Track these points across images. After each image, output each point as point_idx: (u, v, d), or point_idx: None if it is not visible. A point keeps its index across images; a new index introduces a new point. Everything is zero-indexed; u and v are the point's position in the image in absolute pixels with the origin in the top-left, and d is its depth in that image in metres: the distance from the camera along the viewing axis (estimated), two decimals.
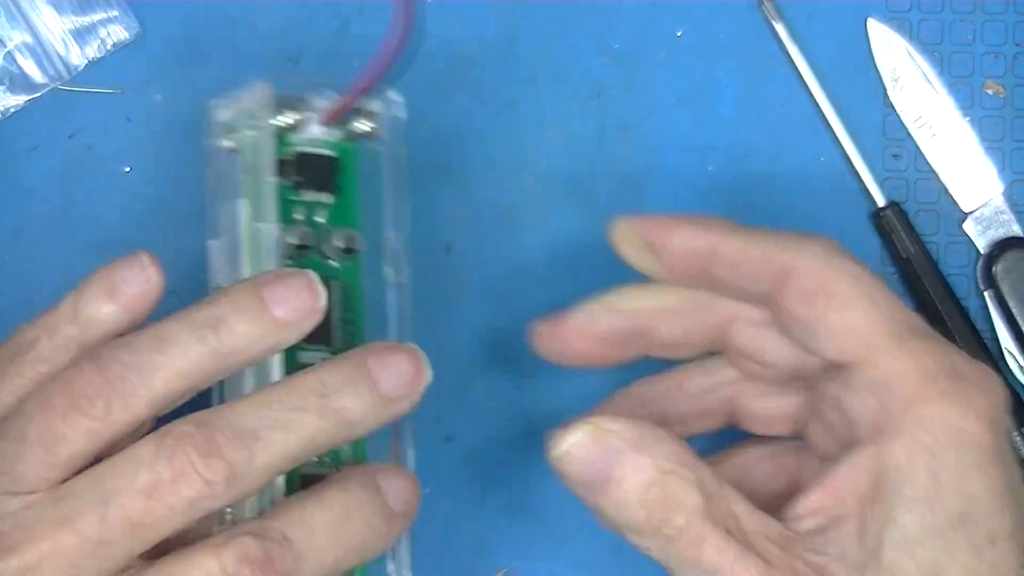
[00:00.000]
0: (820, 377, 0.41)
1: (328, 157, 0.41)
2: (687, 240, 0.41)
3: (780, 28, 0.48)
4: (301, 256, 0.40)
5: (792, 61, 0.49)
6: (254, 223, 0.39)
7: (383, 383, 0.37)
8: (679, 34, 0.49)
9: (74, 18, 0.48)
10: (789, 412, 0.43)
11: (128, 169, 0.49)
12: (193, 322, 0.37)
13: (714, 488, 0.38)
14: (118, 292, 0.38)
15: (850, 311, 0.39)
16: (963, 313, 0.48)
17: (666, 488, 0.37)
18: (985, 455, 0.38)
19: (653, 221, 0.42)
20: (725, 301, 0.42)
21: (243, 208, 0.39)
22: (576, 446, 0.38)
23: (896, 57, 0.49)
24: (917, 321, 0.40)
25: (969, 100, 0.49)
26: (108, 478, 0.36)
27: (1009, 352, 0.48)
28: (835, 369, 0.40)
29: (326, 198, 0.41)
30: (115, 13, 0.48)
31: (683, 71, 0.49)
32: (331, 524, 0.37)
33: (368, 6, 0.49)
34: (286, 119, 0.40)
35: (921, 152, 0.49)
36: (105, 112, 0.48)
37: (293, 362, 0.39)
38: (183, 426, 0.36)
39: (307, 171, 0.41)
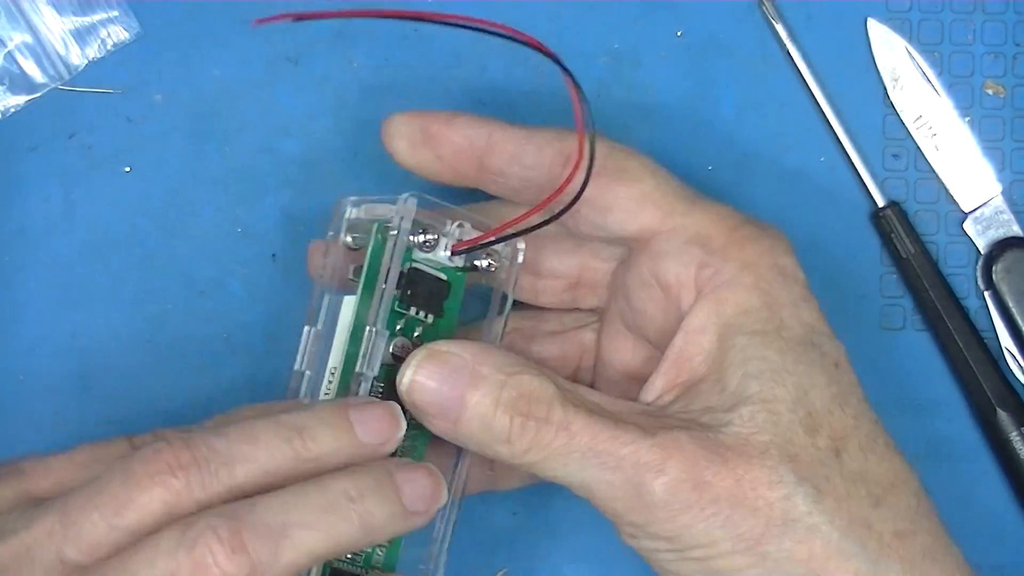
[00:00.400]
0: (597, 265, 0.44)
1: (442, 281, 0.42)
2: (465, 129, 0.42)
3: (780, 28, 0.48)
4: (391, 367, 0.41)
5: (792, 61, 0.49)
6: (368, 326, 0.40)
7: (407, 496, 0.38)
8: (679, 34, 0.49)
9: (74, 18, 0.48)
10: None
11: (128, 169, 0.49)
12: (281, 425, 0.38)
13: (566, 383, 0.40)
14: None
15: (641, 183, 0.41)
16: (963, 313, 0.48)
17: (519, 387, 0.39)
18: (806, 289, 0.41)
19: (431, 114, 0.43)
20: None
21: (349, 306, 0.41)
22: (421, 372, 0.39)
23: (896, 57, 0.49)
24: (697, 192, 0.42)
25: (969, 100, 0.49)
26: (132, 561, 0.36)
27: (1009, 352, 0.48)
28: (638, 247, 0.41)
29: (428, 318, 0.42)
30: (115, 13, 0.48)
31: (683, 71, 0.49)
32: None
33: (368, 6, 0.49)
34: (419, 238, 0.41)
35: (921, 152, 0.49)
36: (105, 112, 0.48)
37: None
38: (210, 518, 0.36)
39: (418, 288, 0.41)
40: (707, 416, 0.39)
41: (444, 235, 0.41)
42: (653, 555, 0.39)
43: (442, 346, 0.40)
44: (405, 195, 0.41)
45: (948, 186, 0.49)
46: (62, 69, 0.48)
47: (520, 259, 0.42)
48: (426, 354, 0.40)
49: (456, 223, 0.42)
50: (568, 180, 0.40)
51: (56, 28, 0.48)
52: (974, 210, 0.49)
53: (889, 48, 0.49)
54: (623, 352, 0.44)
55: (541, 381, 0.39)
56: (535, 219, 0.40)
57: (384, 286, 0.41)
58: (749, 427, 0.38)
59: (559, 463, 0.39)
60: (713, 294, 0.40)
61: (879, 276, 0.49)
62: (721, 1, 0.49)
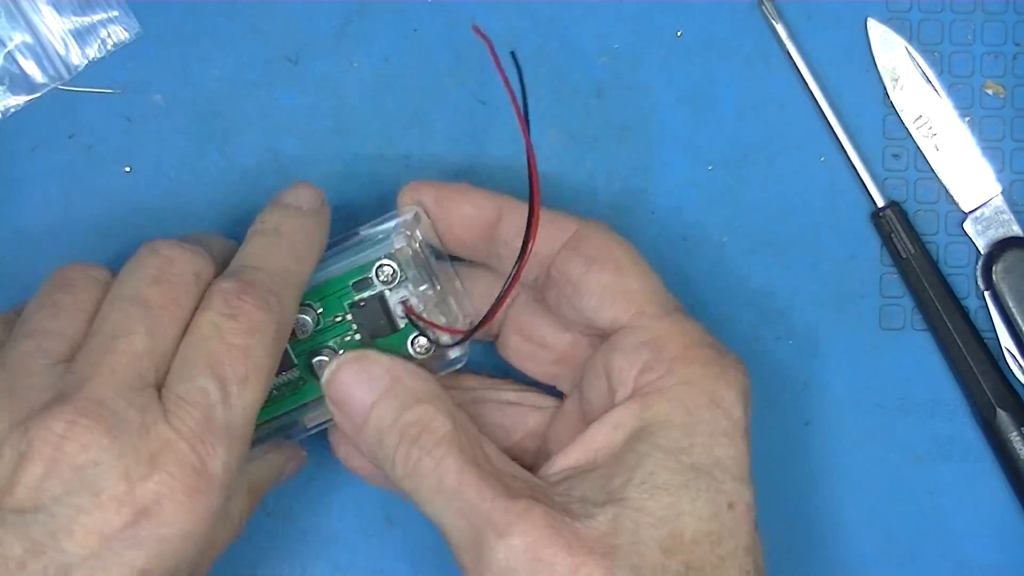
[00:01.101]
0: (582, 348, 0.44)
1: (398, 331, 0.45)
2: (478, 200, 0.44)
3: (780, 28, 0.48)
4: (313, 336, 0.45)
5: (792, 61, 0.49)
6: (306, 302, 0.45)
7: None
8: (679, 34, 0.49)
9: (74, 18, 0.48)
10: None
11: (128, 169, 0.49)
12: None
13: (469, 428, 0.41)
14: None
15: (626, 278, 0.42)
16: (963, 313, 0.48)
17: (420, 414, 0.41)
18: (736, 428, 0.40)
19: (446, 184, 0.45)
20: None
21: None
22: (344, 370, 0.42)
23: (896, 57, 0.49)
24: (679, 303, 0.43)
25: (969, 100, 0.49)
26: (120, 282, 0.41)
27: (1009, 352, 0.48)
28: (605, 336, 0.42)
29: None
30: (115, 13, 0.48)
31: (683, 71, 0.49)
32: (271, 244, 0.42)
33: (368, 6, 0.49)
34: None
35: (921, 152, 0.49)
36: (105, 112, 0.48)
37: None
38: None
39: (378, 316, 0.44)
40: (578, 504, 0.39)
41: (410, 286, 0.44)
42: None
43: (373, 354, 0.43)
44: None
45: (948, 186, 0.49)
46: (62, 69, 0.48)
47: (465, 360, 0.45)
48: (356, 355, 0.43)
49: (425, 287, 0.44)
50: (531, 241, 0.41)
51: (56, 28, 0.48)
52: (974, 210, 0.49)
53: (889, 48, 0.49)
54: (564, 433, 0.44)
55: (442, 418, 0.41)
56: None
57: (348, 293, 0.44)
58: (608, 527, 0.38)
59: (427, 498, 0.40)
60: (643, 398, 0.40)
61: (879, 276, 0.49)
62: (721, 1, 0.49)
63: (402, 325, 0.45)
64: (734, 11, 0.49)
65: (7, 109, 0.48)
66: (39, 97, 0.48)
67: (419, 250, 0.44)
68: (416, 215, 0.44)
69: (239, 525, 0.44)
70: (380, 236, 0.44)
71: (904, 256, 0.48)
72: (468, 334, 0.43)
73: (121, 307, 0.40)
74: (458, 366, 0.45)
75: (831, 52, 0.49)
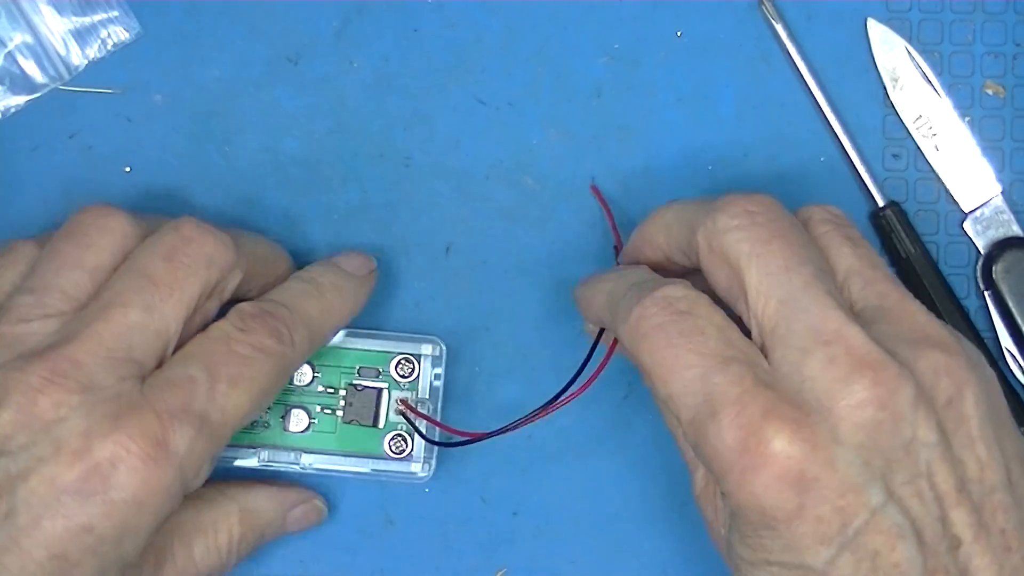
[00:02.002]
0: None
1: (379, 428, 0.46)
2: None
3: (780, 28, 0.48)
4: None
5: (792, 61, 0.49)
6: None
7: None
8: (679, 34, 0.49)
9: (74, 18, 0.48)
10: None
11: (128, 169, 0.49)
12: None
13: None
14: None
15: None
16: (963, 313, 0.48)
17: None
18: None
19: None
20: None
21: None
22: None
23: (896, 57, 0.49)
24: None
25: (969, 100, 0.49)
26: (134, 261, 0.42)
27: (1009, 352, 0.48)
28: None
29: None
30: (115, 13, 0.48)
31: (683, 71, 0.49)
32: (305, 291, 0.44)
33: (368, 6, 0.49)
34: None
35: (921, 152, 0.49)
36: (105, 112, 0.48)
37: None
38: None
39: (368, 406, 0.46)
40: None
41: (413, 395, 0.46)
42: None
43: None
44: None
45: (948, 186, 0.49)
46: (62, 69, 0.48)
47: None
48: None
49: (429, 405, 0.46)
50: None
51: (56, 28, 0.48)
52: (974, 210, 0.49)
53: (889, 48, 0.49)
54: None
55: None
56: None
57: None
58: None
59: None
60: None
61: None
62: (721, 1, 0.49)
63: (383, 424, 0.46)
64: (734, 11, 0.49)
65: (7, 109, 0.48)
66: (39, 97, 0.48)
67: (437, 385, 0.46)
68: (441, 350, 0.47)
69: (227, 552, 0.44)
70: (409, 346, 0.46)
71: (904, 256, 0.48)
72: (482, 436, 0.44)
73: (126, 278, 0.41)
74: (415, 479, 0.46)
75: (831, 52, 0.49)
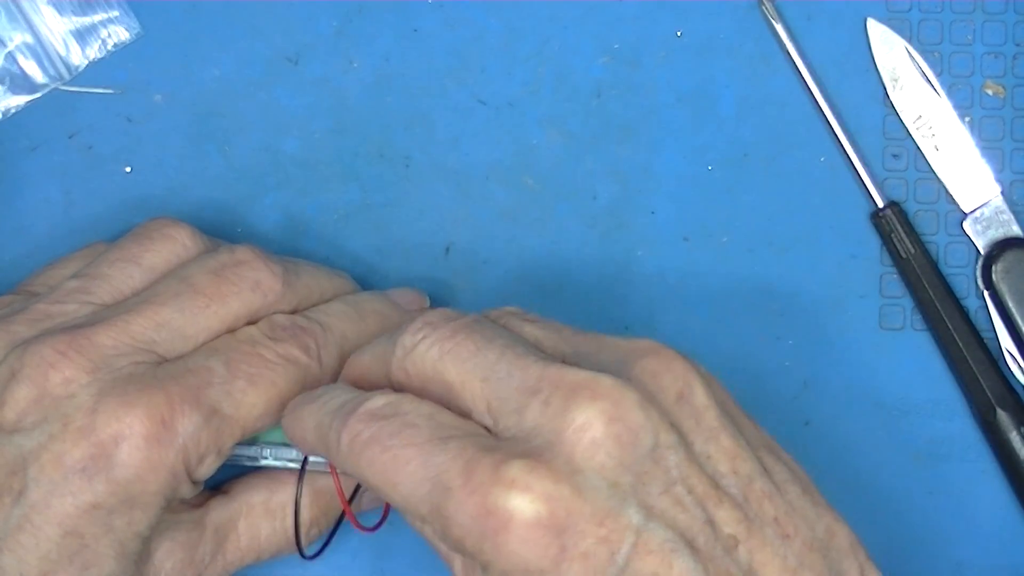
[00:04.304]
0: None
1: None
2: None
3: (780, 28, 0.48)
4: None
5: (792, 61, 0.49)
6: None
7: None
8: (679, 34, 0.49)
9: (75, 18, 0.48)
10: None
11: (128, 169, 0.49)
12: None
13: None
14: None
15: None
16: (963, 313, 0.48)
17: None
18: None
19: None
20: None
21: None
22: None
23: (896, 57, 0.49)
24: None
25: (969, 100, 0.49)
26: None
27: (1009, 352, 0.48)
28: None
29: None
30: (115, 13, 0.48)
31: (683, 71, 0.49)
32: (345, 312, 0.44)
33: (368, 6, 0.49)
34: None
35: (921, 152, 0.49)
36: (105, 112, 0.48)
37: None
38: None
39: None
40: None
41: None
42: None
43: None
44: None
45: (948, 186, 0.49)
46: (62, 69, 0.48)
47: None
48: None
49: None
50: None
51: (56, 28, 0.48)
52: (974, 210, 0.49)
53: (889, 48, 0.49)
54: None
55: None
56: None
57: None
58: None
59: None
60: None
61: (879, 276, 0.49)
62: (721, 1, 0.49)
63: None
64: (734, 11, 0.49)
65: (7, 109, 0.48)
66: (39, 97, 0.48)
67: None
68: None
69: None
70: None
71: (904, 256, 0.48)
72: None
73: (171, 281, 0.42)
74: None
75: (831, 52, 0.49)
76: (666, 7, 0.49)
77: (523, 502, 0.34)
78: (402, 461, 0.35)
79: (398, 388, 0.39)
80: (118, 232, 0.48)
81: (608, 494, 0.34)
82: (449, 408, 0.37)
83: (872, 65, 0.49)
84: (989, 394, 0.47)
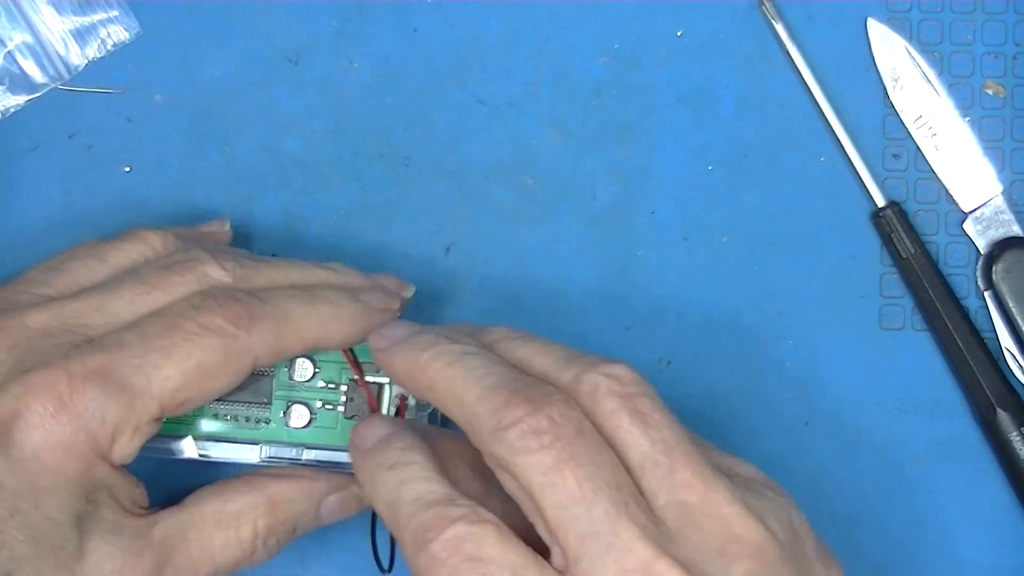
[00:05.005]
0: None
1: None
2: None
3: (780, 28, 0.48)
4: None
5: (792, 61, 0.49)
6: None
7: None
8: (679, 34, 0.49)
9: (74, 18, 0.48)
10: None
11: (128, 169, 0.49)
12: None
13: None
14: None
15: None
16: (963, 313, 0.48)
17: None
18: None
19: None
20: None
21: None
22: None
23: (896, 57, 0.49)
24: None
25: (969, 100, 0.49)
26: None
27: (1009, 352, 0.48)
28: None
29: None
30: (115, 13, 0.48)
31: (683, 71, 0.49)
32: (293, 293, 0.42)
33: (368, 6, 0.49)
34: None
35: (921, 152, 0.49)
36: (105, 112, 0.48)
37: None
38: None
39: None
40: None
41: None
42: None
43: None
44: None
45: (948, 186, 0.49)
46: (62, 69, 0.48)
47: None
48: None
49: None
50: None
51: (56, 28, 0.48)
52: (974, 210, 0.49)
53: (889, 48, 0.49)
54: None
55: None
56: None
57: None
58: None
59: None
60: None
61: (879, 276, 0.49)
62: (721, 1, 0.49)
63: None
64: (734, 11, 0.49)
65: (7, 109, 0.48)
66: (39, 97, 0.48)
67: None
68: None
69: (251, 545, 0.43)
70: None
71: (904, 256, 0.48)
72: None
73: (122, 275, 0.42)
74: None
75: (831, 52, 0.49)
76: (666, 7, 0.49)
77: None
78: None
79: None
80: (116, 231, 0.48)
81: None
82: (523, 509, 0.37)
83: (872, 65, 0.49)
84: (989, 394, 0.47)
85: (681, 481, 0.36)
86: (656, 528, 0.36)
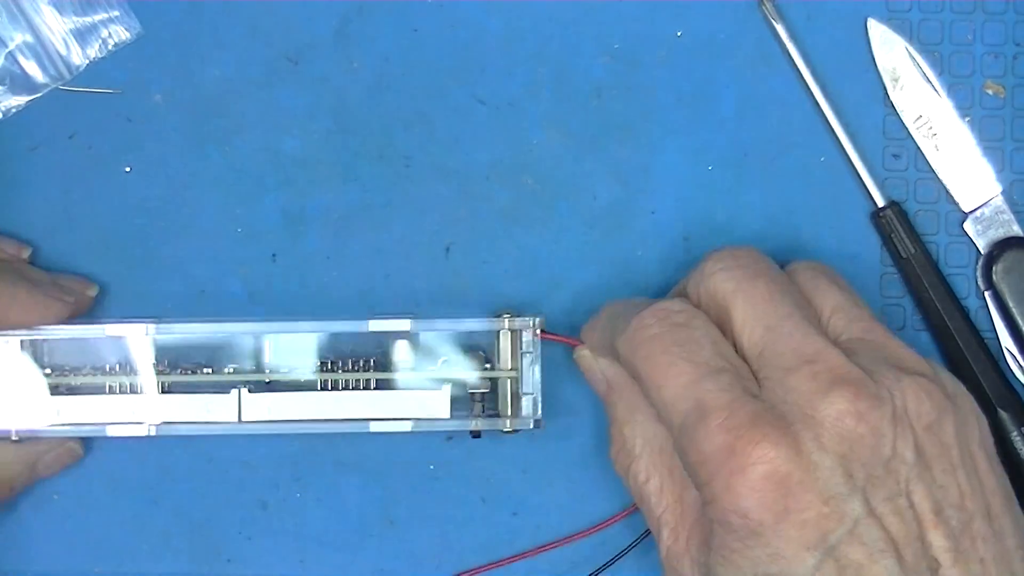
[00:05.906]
0: None
1: None
2: None
3: (780, 28, 0.48)
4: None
5: (792, 61, 0.49)
6: None
7: None
8: (679, 34, 0.49)
9: (75, 18, 0.48)
10: None
11: (128, 169, 0.49)
12: None
13: None
14: None
15: None
16: (963, 313, 0.48)
17: None
18: None
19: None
20: None
21: None
22: None
23: (896, 57, 0.49)
24: None
25: (969, 100, 0.49)
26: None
27: (1009, 352, 0.48)
28: None
29: None
30: (116, 13, 0.48)
31: (683, 71, 0.49)
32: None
33: (368, 6, 0.49)
34: None
35: (921, 152, 0.49)
36: (105, 112, 0.48)
37: None
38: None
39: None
40: None
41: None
42: None
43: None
44: None
45: (948, 186, 0.49)
46: (63, 69, 0.48)
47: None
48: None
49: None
50: None
51: (57, 28, 0.48)
52: (974, 210, 0.49)
53: (889, 48, 0.49)
54: None
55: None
56: None
57: None
58: None
59: None
60: None
61: (879, 276, 0.49)
62: (721, 1, 0.49)
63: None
64: (734, 11, 0.49)
65: (7, 109, 0.48)
66: (40, 97, 0.48)
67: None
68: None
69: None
70: None
71: (904, 256, 0.48)
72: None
73: None
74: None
75: (831, 52, 0.49)
76: (666, 7, 0.49)
77: (767, 456, 0.37)
78: (676, 371, 0.39)
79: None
80: (118, 232, 0.48)
81: (840, 480, 0.37)
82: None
83: (872, 65, 0.49)
84: (989, 394, 0.47)
85: (865, 326, 0.41)
86: (834, 342, 0.40)
